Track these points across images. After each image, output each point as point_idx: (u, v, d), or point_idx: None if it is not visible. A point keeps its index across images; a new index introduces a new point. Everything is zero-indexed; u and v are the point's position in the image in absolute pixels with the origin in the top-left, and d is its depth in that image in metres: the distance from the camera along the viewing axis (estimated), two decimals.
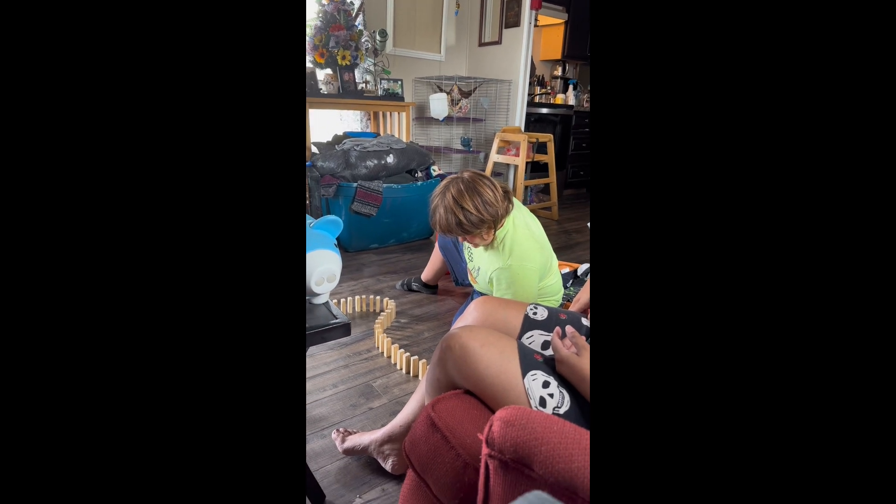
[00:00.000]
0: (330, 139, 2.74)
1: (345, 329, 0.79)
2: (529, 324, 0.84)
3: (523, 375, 0.67)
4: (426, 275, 1.94)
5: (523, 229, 1.25)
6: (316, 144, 2.59)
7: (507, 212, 1.19)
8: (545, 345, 0.81)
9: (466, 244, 1.41)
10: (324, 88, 2.74)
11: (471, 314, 0.88)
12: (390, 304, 1.77)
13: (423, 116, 3.64)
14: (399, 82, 3.17)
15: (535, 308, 0.88)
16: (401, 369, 1.41)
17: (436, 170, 2.77)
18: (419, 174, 2.66)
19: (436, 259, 1.88)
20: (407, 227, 2.60)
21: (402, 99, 3.06)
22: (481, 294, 1.44)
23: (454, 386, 0.74)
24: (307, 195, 2.54)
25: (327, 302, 0.84)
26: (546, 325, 0.85)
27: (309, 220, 0.81)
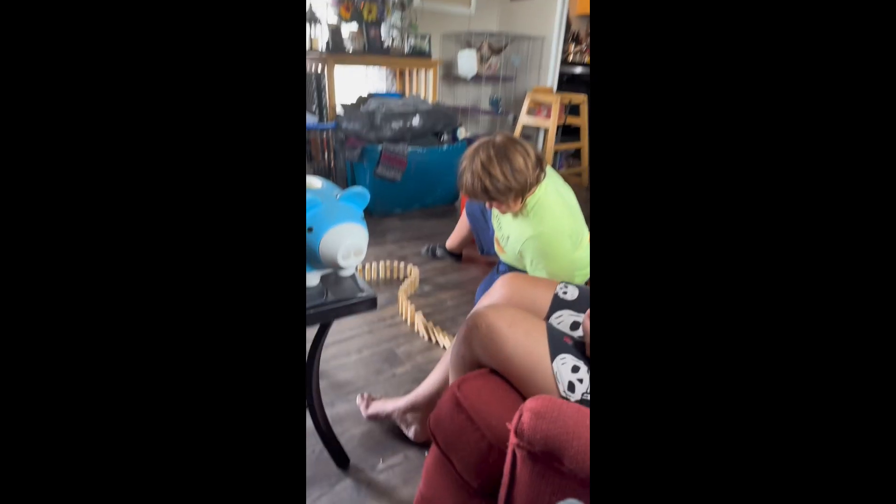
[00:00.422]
0: (355, 100, 2.67)
1: (371, 303, 0.78)
2: (558, 303, 0.82)
3: (552, 358, 0.65)
4: (451, 242, 1.92)
5: (554, 195, 1.20)
6: (341, 106, 2.54)
7: (537, 180, 1.14)
8: (574, 325, 0.79)
9: (495, 211, 1.37)
10: (349, 45, 2.64)
11: (497, 291, 0.86)
12: (414, 272, 1.76)
13: (450, 75, 3.50)
14: (426, 38, 3.03)
15: (566, 287, 0.85)
16: (423, 337, 1.42)
17: (462, 132, 2.69)
18: (445, 137, 2.59)
19: (462, 226, 1.84)
20: (431, 193, 2.56)
21: (428, 56, 2.93)
22: (507, 266, 1.42)
23: (480, 364, 0.73)
24: (332, 157, 2.51)
25: (354, 275, 0.83)
26: (576, 305, 0.82)
27: (335, 190, 0.79)
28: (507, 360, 0.68)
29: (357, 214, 0.75)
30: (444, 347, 1.37)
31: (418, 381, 1.22)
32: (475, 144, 1.15)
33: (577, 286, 0.86)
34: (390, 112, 2.34)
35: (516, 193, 1.13)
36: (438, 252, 1.95)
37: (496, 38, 3.49)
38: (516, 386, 0.68)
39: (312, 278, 0.78)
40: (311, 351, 0.86)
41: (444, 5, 3.40)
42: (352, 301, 0.76)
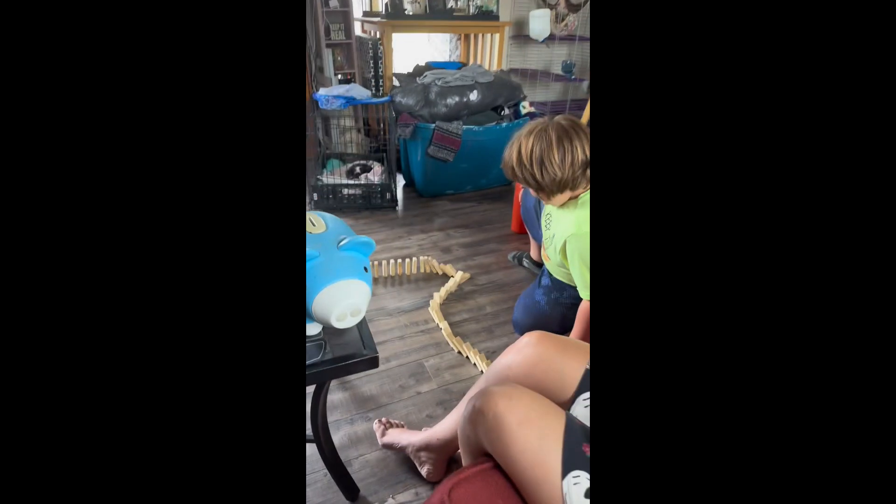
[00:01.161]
0: (412, 69, 2.52)
1: (371, 362, 0.71)
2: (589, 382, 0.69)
3: (563, 475, 0.54)
4: (535, 252, 1.75)
5: None
6: (397, 76, 2.40)
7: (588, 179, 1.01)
8: None
9: (546, 209, 1.23)
10: (409, 8, 2.46)
11: (521, 351, 0.75)
12: (457, 275, 1.67)
13: (521, 35, 3.19)
14: None
15: None
16: (454, 349, 1.35)
17: (525, 106, 2.45)
18: (506, 111, 2.38)
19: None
20: (486, 174, 2.40)
21: (496, 18, 2.66)
22: (550, 280, 1.28)
23: (485, 450, 0.64)
24: (386, 132, 2.41)
25: (358, 324, 0.76)
26: None
27: (340, 232, 0.70)
28: (512, 464, 0.58)
29: (358, 268, 0.66)
30: (474, 364, 1.29)
31: (442, 404, 1.16)
32: (533, 127, 1.02)
33: None
34: (447, 86, 2.17)
35: (561, 188, 1.01)
36: (525, 262, 1.78)
37: None
38: (520, 491, 0.58)
39: (312, 328, 0.72)
40: (314, 408, 0.81)
41: None
42: (349, 362, 0.69)
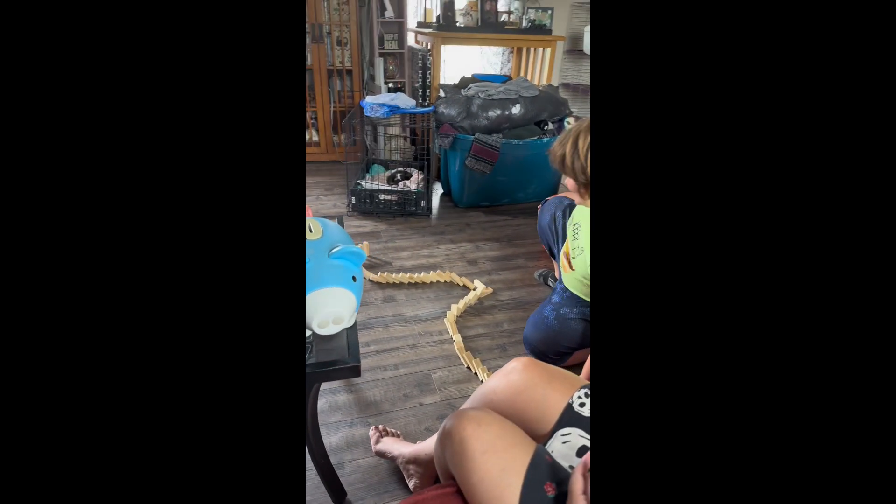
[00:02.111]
0: (458, 80, 2.54)
1: (353, 370, 0.72)
2: (571, 417, 0.66)
3: None
4: (558, 272, 1.72)
5: None
6: (443, 87, 2.43)
7: None
8: (583, 450, 0.63)
9: (575, 216, 1.24)
10: (461, 20, 2.48)
11: (507, 377, 0.73)
12: (478, 288, 1.66)
13: (576, 49, 3.13)
14: (549, 12, 2.71)
15: (587, 394, 0.68)
16: (464, 364, 1.33)
17: (570, 122, 2.40)
18: (549, 126, 2.34)
19: None
20: (524, 188, 2.37)
21: (549, 32, 2.63)
22: (561, 294, 1.25)
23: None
24: (429, 141, 2.45)
25: (347, 329, 0.77)
26: None
27: (335, 238, 0.72)
28: (471, 492, 0.56)
29: (346, 277, 0.67)
30: (481, 381, 1.27)
31: (442, 417, 1.15)
32: (584, 121, 1.07)
33: None
34: (489, 99, 2.17)
35: None
36: (550, 281, 1.76)
37: None
38: None
39: None
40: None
41: None
42: (330, 368, 0.70)
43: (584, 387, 0.69)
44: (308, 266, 0.65)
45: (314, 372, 0.70)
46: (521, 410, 0.69)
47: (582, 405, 0.66)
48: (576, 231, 1.22)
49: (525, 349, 1.36)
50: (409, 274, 1.71)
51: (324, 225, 0.75)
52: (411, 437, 1.09)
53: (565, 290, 1.26)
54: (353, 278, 0.69)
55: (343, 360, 0.72)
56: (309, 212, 0.90)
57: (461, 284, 1.71)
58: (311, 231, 0.72)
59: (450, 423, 0.62)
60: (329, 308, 0.65)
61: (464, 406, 0.81)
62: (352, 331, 0.77)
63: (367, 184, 2.28)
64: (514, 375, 0.73)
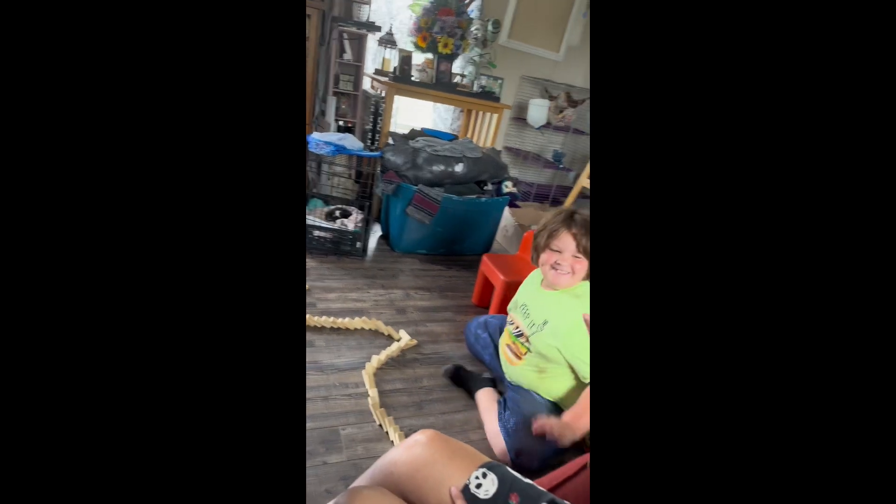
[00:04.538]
0: (408, 131, 2.62)
1: None
2: (469, 499, 0.66)
3: None
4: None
5: None
6: (392, 135, 2.49)
7: None
8: None
9: (521, 295, 1.32)
10: (416, 75, 2.60)
11: (410, 450, 0.72)
12: (402, 340, 1.65)
13: (521, 118, 3.37)
14: (500, 81, 2.92)
15: (485, 474, 0.69)
16: (376, 421, 1.29)
17: (508, 186, 2.54)
18: (489, 187, 2.46)
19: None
20: (460, 241, 2.44)
21: (497, 99, 2.82)
22: (513, 388, 1.28)
23: None
24: (372, 185, 2.46)
25: None
26: None
27: None
28: None
29: None
30: (392, 443, 1.23)
31: (345, 479, 1.10)
32: (567, 209, 1.21)
33: (501, 475, 0.69)
34: (435, 154, 2.26)
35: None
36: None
37: (577, 89, 3.31)
38: None
39: None
40: None
41: (531, 47, 3.28)
42: None
43: (482, 465, 0.70)
44: None
45: None
46: (419, 487, 0.68)
47: (479, 486, 0.67)
48: (526, 311, 1.27)
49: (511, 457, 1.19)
50: (332, 318, 1.66)
51: None
52: (311, 500, 1.03)
53: (517, 387, 1.30)
54: None
55: None
56: None
57: (386, 334, 1.69)
58: None
59: (342, 499, 0.59)
60: None
61: (363, 476, 0.79)
62: None
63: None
64: (417, 449, 0.72)
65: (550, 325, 1.18)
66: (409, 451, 0.72)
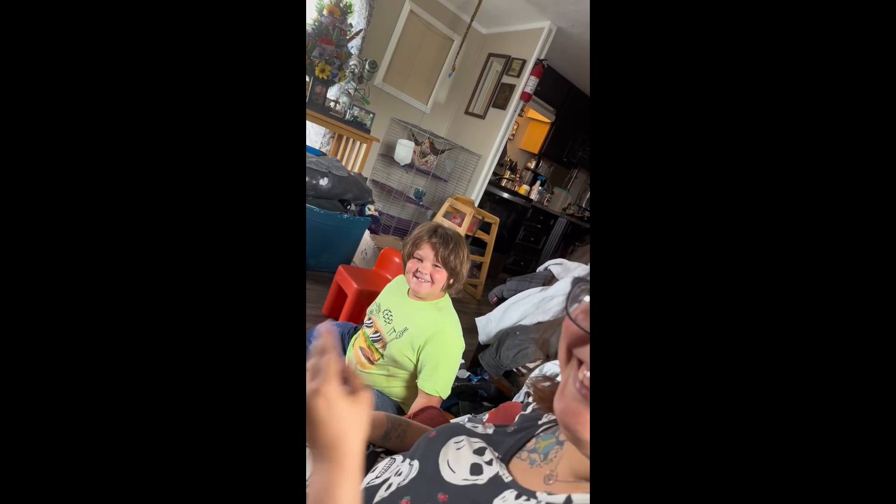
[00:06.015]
0: None
1: None
2: None
3: None
4: None
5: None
6: None
7: (460, 282, 1.27)
8: None
9: (383, 299, 1.35)
10: None
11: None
12: None
13: (389, 155, 3.59)
14: (371, 115, 3.12)
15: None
16: None
17: (371, 209, 2.66)
18: (352, 207, 2.54)
19: None
20: (317, 255, 2.43)
21: (367, 131, 3.00)
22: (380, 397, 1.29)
23: None
24: None
25: None
26: None
27: None
28: None
29: None
30: None
31: None
32: (432, 223, 1.27)
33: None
34: None
35: (452, 273, 1.22)
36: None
37: (440, 140, 3.69)
38: None
39: None
40: None
41: (404, 94, 3.60)
42: None
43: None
44: None
45: None
46: None
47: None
48: (388, 316, 1.30)
49: None
50: None
51: None
52: None
53: (380, 394, 1.30)
54: None
55: None
56: None
57: None
58: None
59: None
60: None
61: None
62: None
63: None
64: None
65: (409, 334, 1.23)
66: None
